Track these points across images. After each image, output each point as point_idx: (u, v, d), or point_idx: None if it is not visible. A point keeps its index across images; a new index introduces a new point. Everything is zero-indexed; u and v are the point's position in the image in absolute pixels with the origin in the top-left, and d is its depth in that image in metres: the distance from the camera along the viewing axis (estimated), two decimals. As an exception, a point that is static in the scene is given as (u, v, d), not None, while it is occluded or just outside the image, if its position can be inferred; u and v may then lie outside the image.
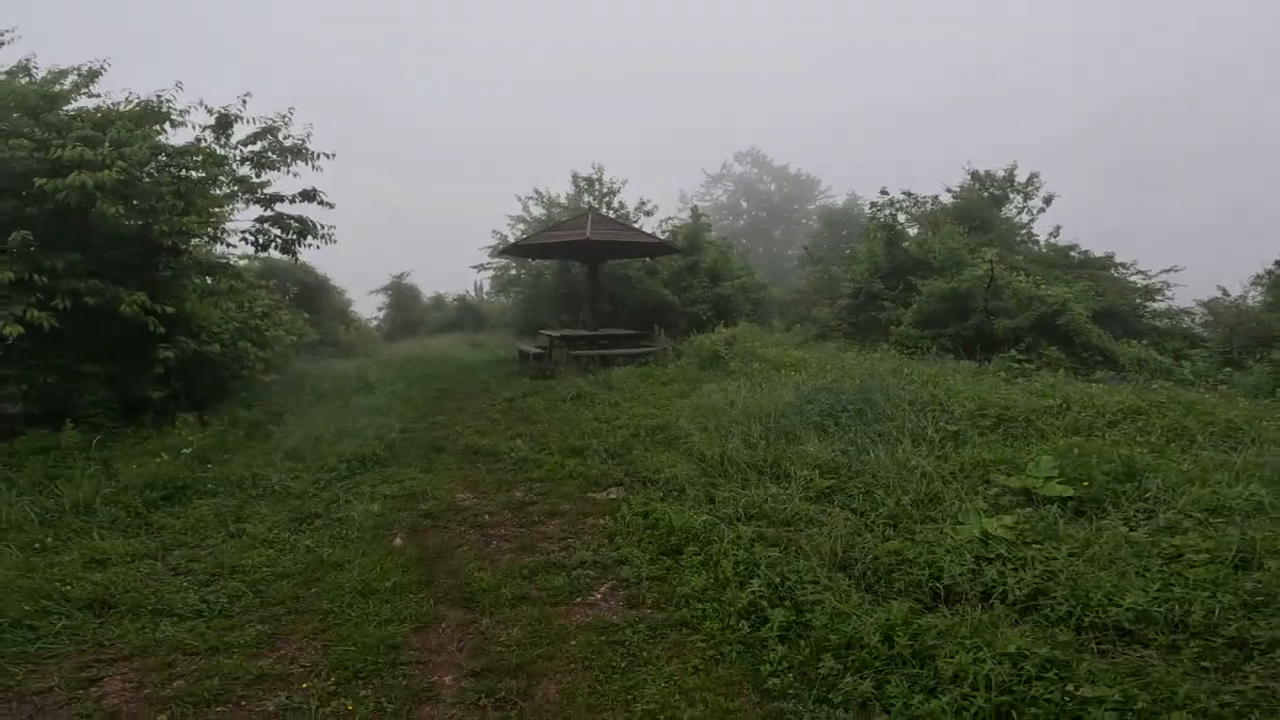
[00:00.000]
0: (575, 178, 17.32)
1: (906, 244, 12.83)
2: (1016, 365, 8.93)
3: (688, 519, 4.42)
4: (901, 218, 15.14)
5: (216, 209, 9.74)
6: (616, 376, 9.51)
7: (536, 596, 3.77)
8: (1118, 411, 6.47)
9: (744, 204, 45.35)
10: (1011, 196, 14.75)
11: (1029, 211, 14.91)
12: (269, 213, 9.55)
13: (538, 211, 20.41)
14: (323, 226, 9.70)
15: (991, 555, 3.59)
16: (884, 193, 14.11)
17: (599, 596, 3.80)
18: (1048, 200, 14.58)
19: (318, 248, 9.75)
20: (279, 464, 6.24)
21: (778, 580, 3.55)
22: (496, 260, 22.70)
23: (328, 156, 9.63)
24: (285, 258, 10.39)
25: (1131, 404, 6.62)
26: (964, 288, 10.44)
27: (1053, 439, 5.75)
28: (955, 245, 11.62)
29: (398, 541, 4.61)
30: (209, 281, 8.42)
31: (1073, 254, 13.67)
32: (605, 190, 17.07)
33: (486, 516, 4.97)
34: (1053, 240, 14.34)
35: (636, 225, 16.10)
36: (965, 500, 4.42)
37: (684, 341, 12.61)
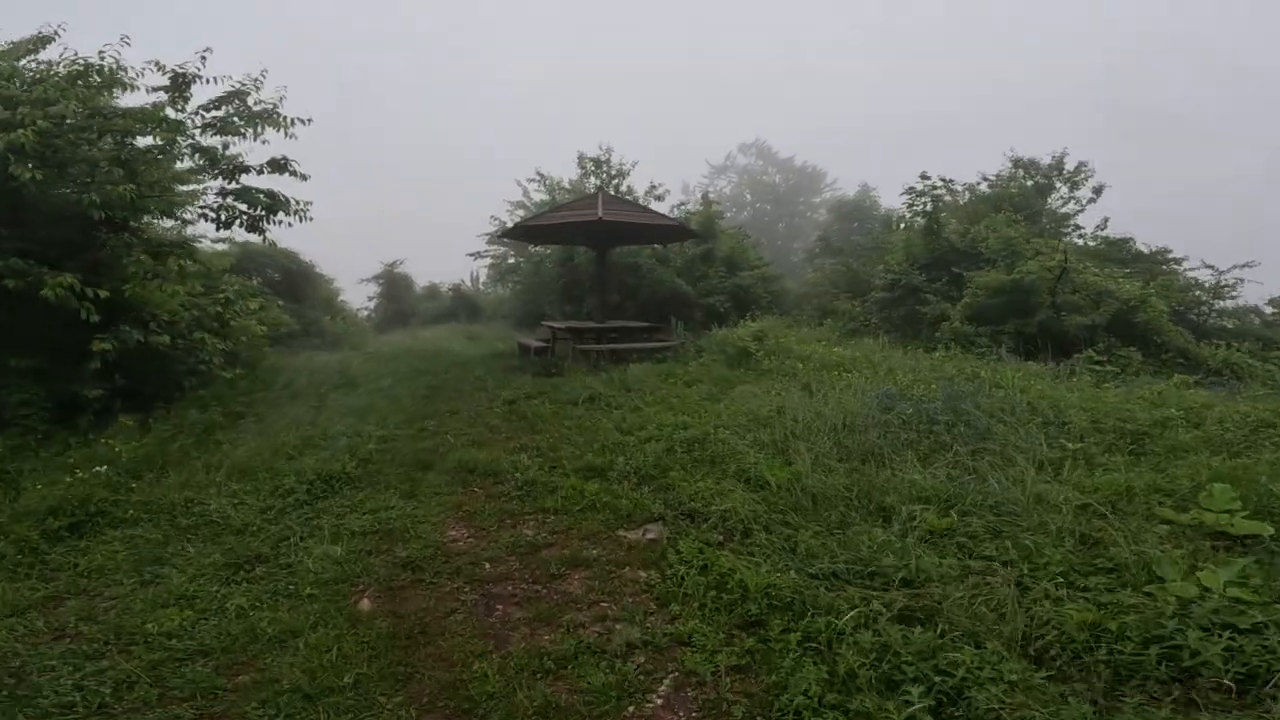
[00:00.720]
0: (581, 158, 15.85)
1: (947, 233, 11.60)
2: (1099, 368, 7.73)
3: (767, 577, 3.20)
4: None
5: (181, 185, 8.48)
6: (633, 375, 8.25)
7: (568, 706, 2.54)
8: (1247, 425, 5.35)
9: (748, 196, 44.07)
10: (1058, 185, 13.51)
11: (1077, 201, 13.69)
12: (233, 185, 8.23)
13: (539, 197, 19.11)
14: (297, 202, 8.40)
15: (1243, 625, 2.53)
16: (924, 177, 12.90)
17: (659, 703, 2.58)
18: (1097, 190, 13.36)
19: (289, 225, 8.44)
20: (224, 483, 4.97)
21: (945, 682, 2.34)
22: (493, 248, 21.40)
23: (303, 122, 8.31)
24: (258, 239, 9.05)
25: (1258, 416, 5.49)
26: (1028, 280, 9.23)
27: (1195, 458, 4.60)
28: (1012, 234, 10.39)
29: (365, 605, 3.36)
30: (154, 263, 7.09)
31: (1127, 247, 12.47)
32: (614, 172, 15.62)
33: (487, 566, 3.71)
34: (1101, 232, 13.14)
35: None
36: (1136, 543, 3.27)
37: (702, 336, 11.38)
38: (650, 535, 4.07)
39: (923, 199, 12.71)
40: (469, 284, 25.68)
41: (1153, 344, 9.03)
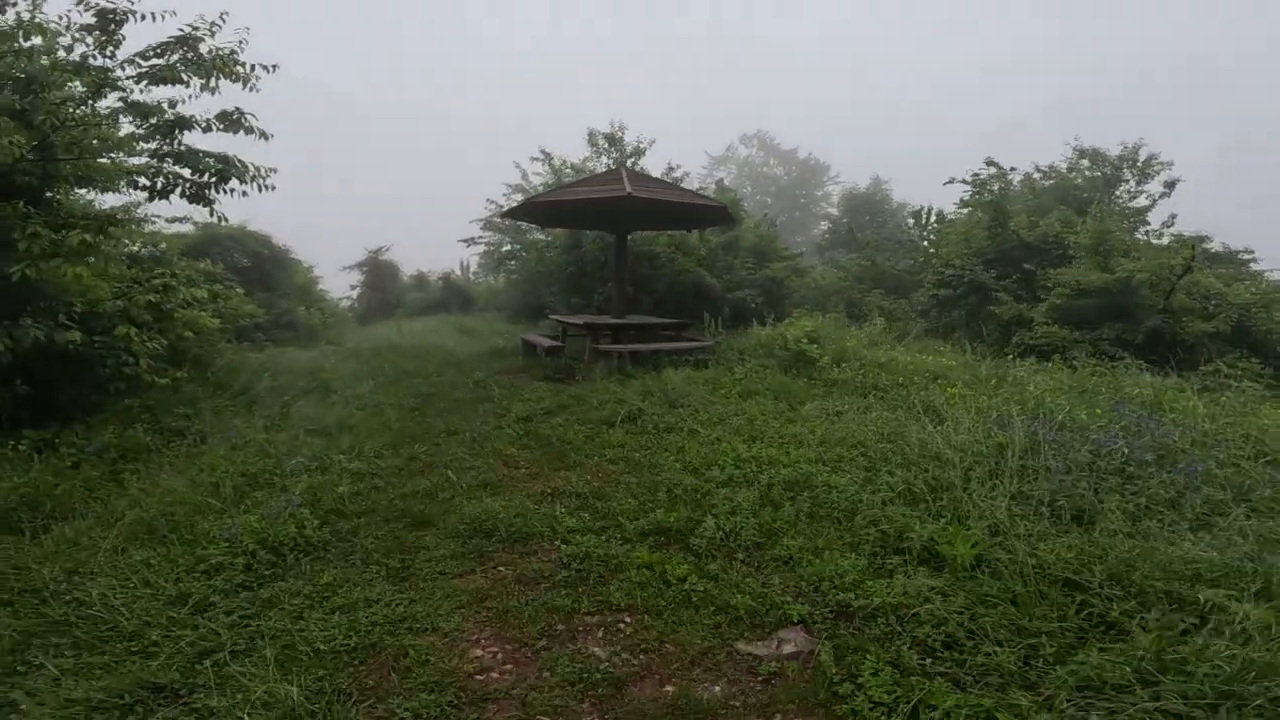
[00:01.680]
0: (592, 135, 14.04)
1: (1014, 225, 10.19)
2: (1233, 382, 6.37)
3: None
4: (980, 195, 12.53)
5: (118, 153, 6.82)
6: (671, 384, 6.75)
7: None
8: None
9: (748, 188, 42.61)
10: (1127, 177, 12.10)
11: (1148, 196, 12.32)
12: (173, 146, 6.56)
13: (540, 180, 17.47)
14: (255, 168, 6.76)
15: None
16: (991, 163, 11.47)
17: None
18: (1170, 185, 11.98)
19: (244, 194, 6.80)
20: (122, 549, 3.39)
21: None
22: (488, 234, 19.68)
23: (267, 69, 6.63)
24: (223, 219, 7.33)
25: None
26: (1136, 280, 7.84)
27: None
28: (1109, 229, 8.98)
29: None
30: (55, 237, 5.40)
31: (1203, 246, 11.11)
32: (630, 151, 13.92)
33: (540, 732, 2.20)
34: (1168, 229, 11.79)
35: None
36: None
37: (736, 335, 9.90)
38: (789, 648, 2.59)
39: (991, 186, 11.28)
40: (460, 273, 23.95)
41: (1272, 354, 7.73)
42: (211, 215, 6.78)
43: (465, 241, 20.71)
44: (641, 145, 13.60)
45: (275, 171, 7.03)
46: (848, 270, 16.18)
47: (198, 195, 6.59)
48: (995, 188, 11.14)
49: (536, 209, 9.24)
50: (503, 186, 19.61)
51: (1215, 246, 11.58)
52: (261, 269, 14.86)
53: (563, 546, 3.37)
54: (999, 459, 3.83)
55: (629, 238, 11.82)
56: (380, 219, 56.51)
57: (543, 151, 14.83)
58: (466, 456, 5.07)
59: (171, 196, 6.66)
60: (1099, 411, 4.55)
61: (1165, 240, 11.20)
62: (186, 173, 6.57)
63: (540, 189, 15.75)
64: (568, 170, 15.40)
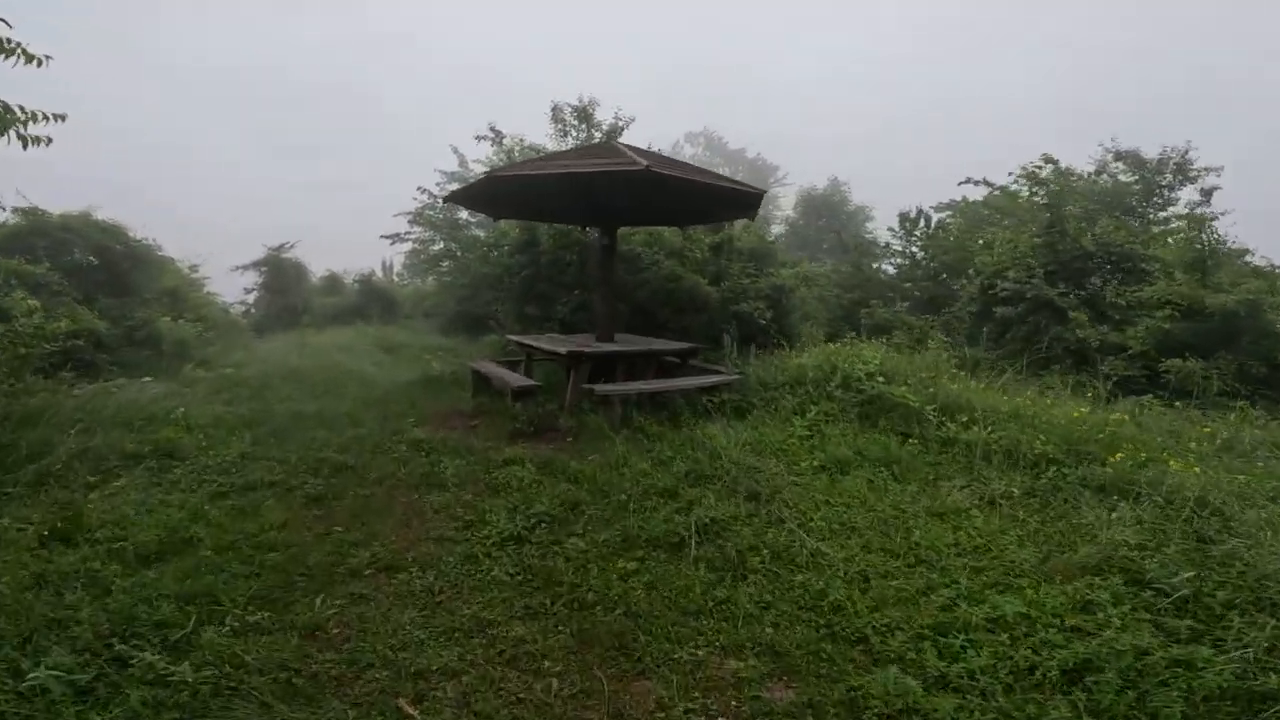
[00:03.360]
0: (556, 110, 11.25)
1: (1072, 230, 8.56)
2: None
3: None
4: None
5: None
6: (722, 452, 4.47)
7: None
8: None
9: (693, 189, 40.84)
10: (1166, 183, 10.78)
11: (1187, 204, 11.13)
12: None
13: (481, 170, 14.76)
14: (30, 114, 4.06)
15: None
16: (1049, 160, 9.87)
17: None
18: (1207, 193, 10.83)
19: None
20: None
21: None
22: (418, 230, 16.69)
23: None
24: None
25: None
26: (1267, 302, 6.27)
27: None
28: (1203, 239, 7.44)
29: None
30: None
31: (1243, 260, 9.94)
32: (606, 130, 11.31)
33: None
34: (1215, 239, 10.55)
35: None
36: None
37: (750, 360, 7.73)
38: None
39: (1047, 187, 9.65)
40: (382, 274, 20.68)
41: None
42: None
43: (389, 238, 17.62)
44: (620, 123, 11.16)
45: (64, 118, 4.29)
46: (827, 277, 14.42)
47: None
48: (1053, 188, 9.55)
49: (496, 189, 6.64)
50: (437, 174, 16.74)
51: (1260, 260, 10.45)
52: (114, 268, 11.38)
53: None
54: None
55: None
56: (290, 209, 50.81)
57: (492, 129, 12.14)
58: (425, 640, 2.55)
59: None
60: None
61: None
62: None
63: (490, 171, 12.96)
64: (527, 152, 12.76)
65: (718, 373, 6.76)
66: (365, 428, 5.85)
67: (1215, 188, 10.73)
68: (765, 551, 3.29)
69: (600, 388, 5.62)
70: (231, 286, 19.11)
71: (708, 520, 3.48)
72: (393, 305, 17.36)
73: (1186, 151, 10.73)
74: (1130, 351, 7.04)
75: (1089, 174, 11.11)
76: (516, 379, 6.15)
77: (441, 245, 14.88)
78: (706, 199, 6.54)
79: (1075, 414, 4.92)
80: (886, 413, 5.43)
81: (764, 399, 6.17)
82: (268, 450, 5.23)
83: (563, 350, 6.10)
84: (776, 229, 30.33)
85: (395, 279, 22.92)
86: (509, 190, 6.78)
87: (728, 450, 4.51)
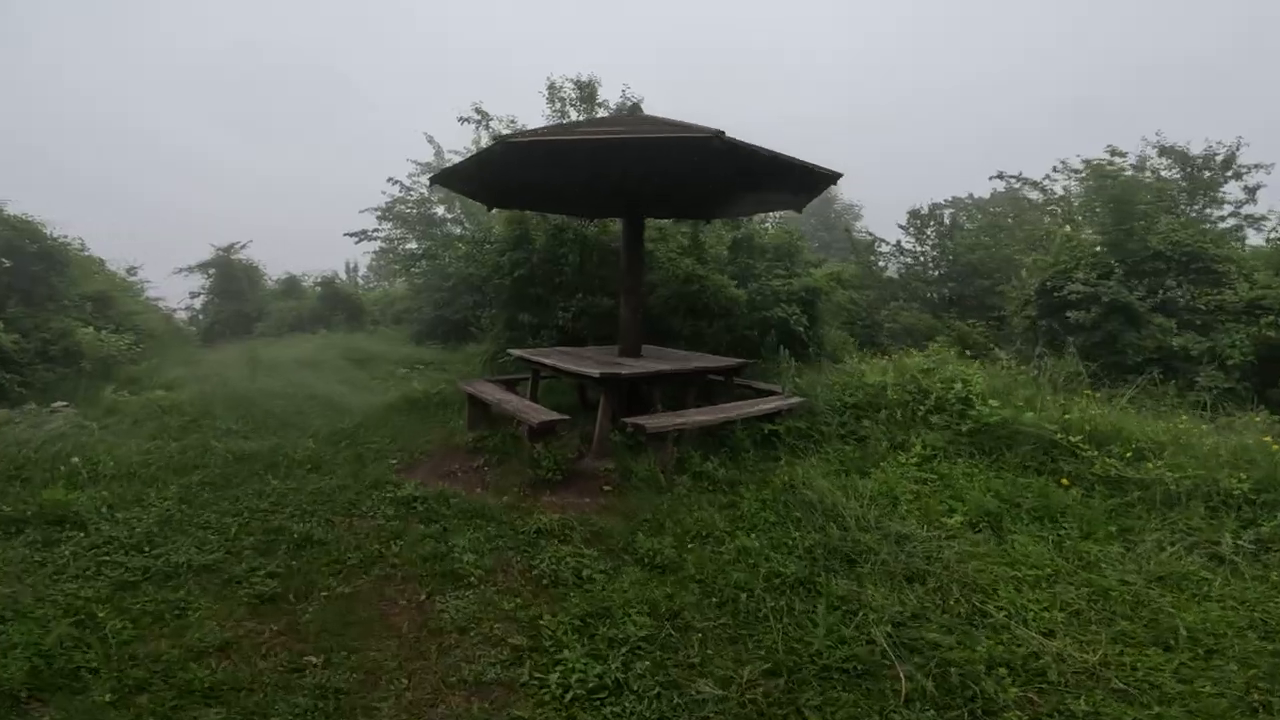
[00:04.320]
0: (554, 88, 9.77)
1: (1140, 229, 7.61)
2: None
3: None
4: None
5: None
6: (840, 510, 3.25)
7: None
8: None
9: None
10: (1209, 180, 9.89)
11: (1234, 205, 10.33)
12: None
13: (454, 158, 13.31)
14: None
15: None
16: (1115, 151, 8.95)
17: None
18: (1252, 191, 10.06)
19: None
20: None
21: None
22: (385, 228, 15.13)
23: None
24: None
25: None
26: None
27: None
28: None
29: None
30: None
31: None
32: (612, 109, 9.95)
33: None
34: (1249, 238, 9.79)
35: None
36: None
37: (790, 373, 6.54)
38: None
39: (1119, 175, 8.70)
40: (346, 277, 18.97)
41: None
42: None
43: (354, 236, 15.99)
44: (627, 102, 9.81)
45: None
46: (858, 278, 13.38)
47: None
48: (1120, 178, 8.61)
49: (499, 166, 5.27)
50: (410, 165, 15.17)
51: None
52: (26, 272, 9.59)
53: None
54: None
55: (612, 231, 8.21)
56: (249, 202, 47.89)
57: (477, 110, 10.67)
58: None
59: None
60: None
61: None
62: None
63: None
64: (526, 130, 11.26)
65: (774, 393, 5.55)
66: (335, 476, 4.46)
67: (1260, 185, 10.01)
68: (1002, 671, 2.09)
69: (651, 422, 4.33)
70: (177, 290, 17.20)
71: (890, 627, 2.25)
72: (358, 311, 15.72)
73: (1237, 147, 9.92)
74: (1231, 362, 6.11)
75: (1121, 166, 10.29)
76: (535, 411, 4.79)
77: (415, 245, 13.35)
78: (766, 179, 5.32)
79: (1273, 445, 3.85)
80: (1010, 445, 4.30)
81: (837, 427, 4.99)
82: (200, 512, 3.82)
83: (593, 372, 4.79)
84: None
85: (361, 281, 21.21)
86: (513, 168, 5.44)
87: (849, 508, 3.29)
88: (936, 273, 13.48)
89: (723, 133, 3.92)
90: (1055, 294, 7.67)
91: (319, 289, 16.80)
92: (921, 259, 14.18)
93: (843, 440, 4.79)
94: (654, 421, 4.34)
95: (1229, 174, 9.81)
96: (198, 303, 17.98)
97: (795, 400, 5.30)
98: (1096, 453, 3.96)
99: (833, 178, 5.18)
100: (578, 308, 8.63)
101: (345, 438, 5.50)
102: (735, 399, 5.50)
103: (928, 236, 14.20)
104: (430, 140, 14.63)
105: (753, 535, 3.15)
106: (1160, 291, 7.25)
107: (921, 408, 4.87)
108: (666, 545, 3.11)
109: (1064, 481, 3.82)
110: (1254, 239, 9.17)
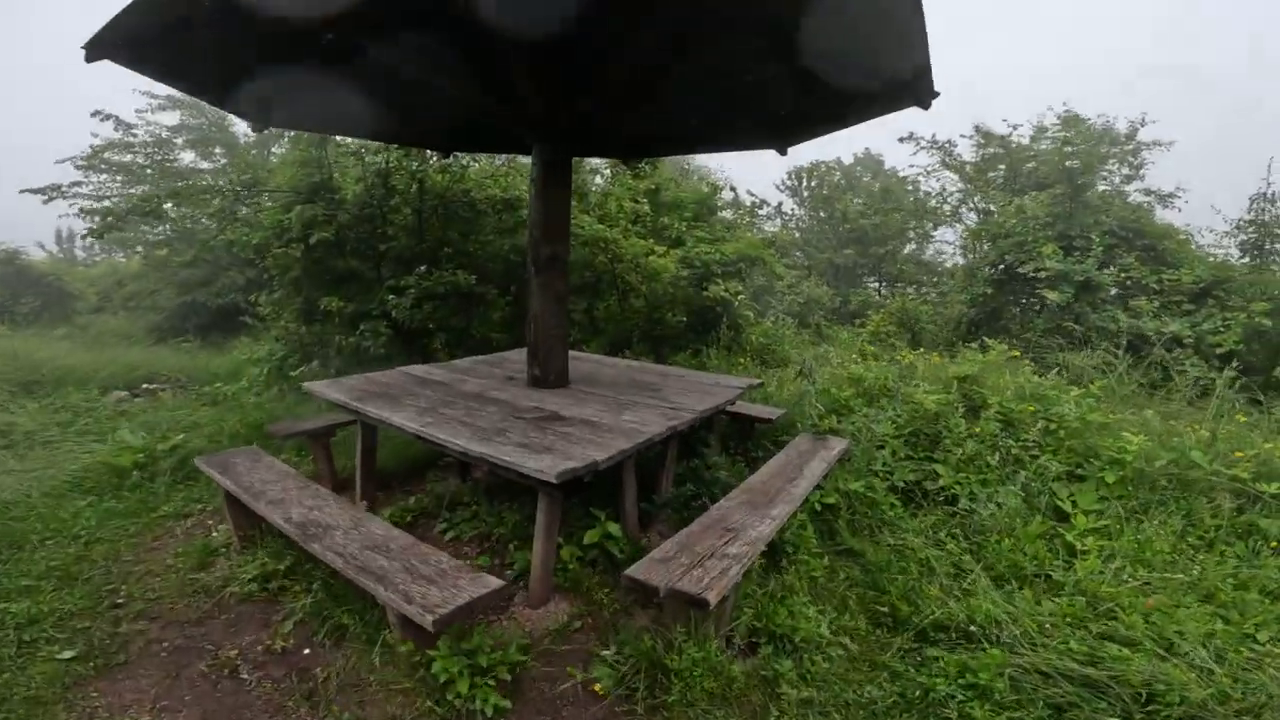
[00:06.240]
0: None
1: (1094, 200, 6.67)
2: None
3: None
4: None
5: None
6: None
7: None
8: None
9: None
10: (1111, 157, 9.23)
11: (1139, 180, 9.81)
12: None
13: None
14: None
15: None
16: (1073, 115, 7.86)
17: None
18: (1136, 167, 9.49)
19: None
20: None
21: None
22: (100, 178, 10.14)
23: None
24: None
25: None
26: None
27: None
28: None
29: None
30: None
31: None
32: None
33: None
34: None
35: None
36: None
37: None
38: None
39: (1074, 145, 7.64)
40: (53, 250, 13.30)
41: None
42: None
43: (43, 192, 10.19)
44: None
45: None
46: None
47: None
48: (1080, 147, 7.57)
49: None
50: (137, 94, 10.35)
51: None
52: None
53: None
54: None
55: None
56: None
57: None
58: None
59: None
60: None
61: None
62: None
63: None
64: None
65: (768, 421, 3.37)
66: None
67: (1149, 163, 9.67)
68: None
69: (678, 578, 1.88)
70: None
71: None
72: (63, 298, 10.73)
73: (1142, 122, 9.39)
74: (1221, 351, 5.30)
75: (1023, 139, 9.60)
76: (418, 580, 2.02)
77: (144, 189, 8.91)
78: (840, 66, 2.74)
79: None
80: (1176, 500, 2.58)
81: (903, 484, 2.98)
82: None
83: (543, 473, 2.13)
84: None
85: (81, 255, 15.30)
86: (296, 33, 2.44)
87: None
88: (825, 240, 12.34)
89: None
90: (1017, 269, 6.51)
91: (-7, 267, 11.28)
92: (803, 222, 13.01)
93: (926, 506, 2.77)
94: (680, 573, 1.87)
95: (1129, 148, 9.42)
96: None
97: (841, 445, 3.17)
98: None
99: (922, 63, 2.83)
100: (420, 289, 5.72)
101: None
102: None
103: (805, 200, 13.05)
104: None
105: None
106: (1118, 269, 6.39)
107: (1013, 442, 3.02)
108: None
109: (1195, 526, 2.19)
110: (1162, 216, 8.80)
